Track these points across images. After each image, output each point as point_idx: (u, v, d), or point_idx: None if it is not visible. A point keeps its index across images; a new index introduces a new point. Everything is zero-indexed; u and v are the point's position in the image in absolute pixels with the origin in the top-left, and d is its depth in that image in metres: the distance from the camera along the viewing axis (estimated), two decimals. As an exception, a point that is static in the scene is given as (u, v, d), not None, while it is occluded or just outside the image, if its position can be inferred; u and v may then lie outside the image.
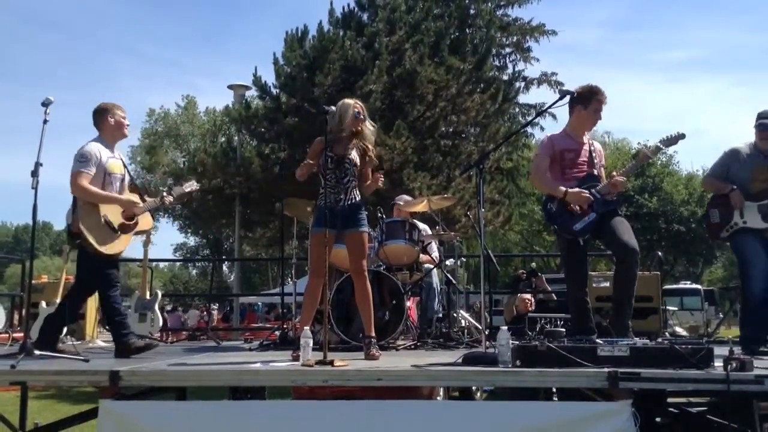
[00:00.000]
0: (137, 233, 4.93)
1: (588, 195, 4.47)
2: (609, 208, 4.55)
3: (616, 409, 3.29)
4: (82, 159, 4.60)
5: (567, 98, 4.42)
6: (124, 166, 4.95)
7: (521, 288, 9.37)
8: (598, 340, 3.58)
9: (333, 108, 4.37)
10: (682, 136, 4.51)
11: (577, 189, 4.49)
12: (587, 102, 4.62)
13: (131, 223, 4.82)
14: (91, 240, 4.55)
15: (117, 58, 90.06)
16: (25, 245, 54.32)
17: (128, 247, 4.96)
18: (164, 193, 5.14)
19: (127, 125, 4.92)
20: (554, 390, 4.49)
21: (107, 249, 4.63)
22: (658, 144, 4.63)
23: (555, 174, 4.64)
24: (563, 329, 3.70)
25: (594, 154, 4.71)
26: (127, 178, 4.93)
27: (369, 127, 4.53)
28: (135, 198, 4.92)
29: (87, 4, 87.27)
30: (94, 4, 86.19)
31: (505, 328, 3.53)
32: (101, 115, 4.83)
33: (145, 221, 4.96)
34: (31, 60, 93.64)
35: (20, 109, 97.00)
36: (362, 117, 4.46)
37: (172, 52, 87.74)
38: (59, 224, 70.56)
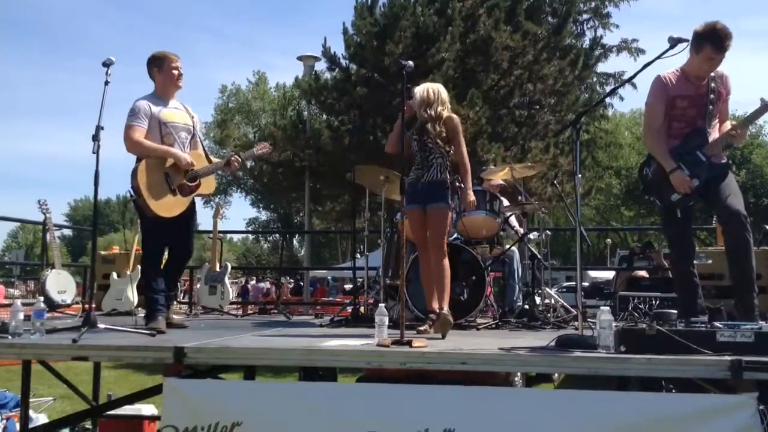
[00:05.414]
0: (198, 196, 4.66)
1: (693, 185, 3.85)
2: (715, 173, 3.90)
3: (740, 402, 2.87)
4: (130, 113, 4.42)
5: (678, 47, 3.53)
6: (191, 119, 4.69)
7: (636, 263, 8.74)
8: (718, 324, 3.11)
9: (411, 63, 4.04)
10: None
11: (683, 176, 3.84)
12: (699, 46, 3.85)
13: (193, 184, 4.55)
14: (146, 197, 4.30)
15: (193, 35, 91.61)
16: (107, 218, 56.35)
17: (200, 219, 4.72)
18: (232, 155, 4.86)
19: (179, 76, 4.61)
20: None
21: (162, 210, 4.37)
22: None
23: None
24: (674, 310, 3.23)
25: (713, 96, 3.94)
26: (198, 134, 4.71)
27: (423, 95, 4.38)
28: (199, 156, 4.65)
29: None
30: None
31: (607, 308, 3.10)
32: (149, 67, 4.61)
33: (207, 184, 4.67)
34: (107, 38, 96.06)
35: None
36: (410, 95, 4.36)
37: (244, 29, 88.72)
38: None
